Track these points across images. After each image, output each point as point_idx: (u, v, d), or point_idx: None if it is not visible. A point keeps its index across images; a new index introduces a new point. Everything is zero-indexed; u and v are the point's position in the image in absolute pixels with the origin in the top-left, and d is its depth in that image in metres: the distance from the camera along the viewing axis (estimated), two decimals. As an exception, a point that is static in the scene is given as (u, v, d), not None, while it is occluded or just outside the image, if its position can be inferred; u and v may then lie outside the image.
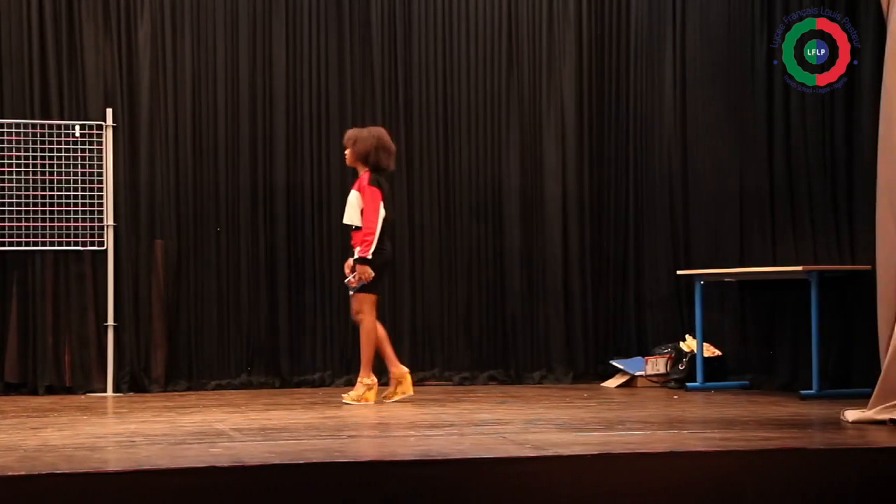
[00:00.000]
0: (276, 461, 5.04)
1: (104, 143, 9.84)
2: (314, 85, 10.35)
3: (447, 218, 10.56)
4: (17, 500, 4.51)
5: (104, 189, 9.83)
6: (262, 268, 10.14)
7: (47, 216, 9.68)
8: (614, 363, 10.33)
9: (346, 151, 8.70)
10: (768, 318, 9.45)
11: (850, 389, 8.26)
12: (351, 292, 8.59)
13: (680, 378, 9.69)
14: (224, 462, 5.03)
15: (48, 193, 9.70)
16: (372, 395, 8.48)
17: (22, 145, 9.70)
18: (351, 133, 8.73)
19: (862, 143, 8.40)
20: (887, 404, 6.40)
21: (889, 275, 6.57)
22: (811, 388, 8.47)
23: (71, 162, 9.78)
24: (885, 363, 6.48)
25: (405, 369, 8.68)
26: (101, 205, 9.83)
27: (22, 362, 9.70)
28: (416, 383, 10.16)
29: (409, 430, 6.45)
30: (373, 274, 8.39)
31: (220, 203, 10.12)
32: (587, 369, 10.62)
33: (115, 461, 5.32)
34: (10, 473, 4.66)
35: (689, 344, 9.84)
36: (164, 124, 10.04)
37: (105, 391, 9.70)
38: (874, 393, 6.53)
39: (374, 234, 8.40)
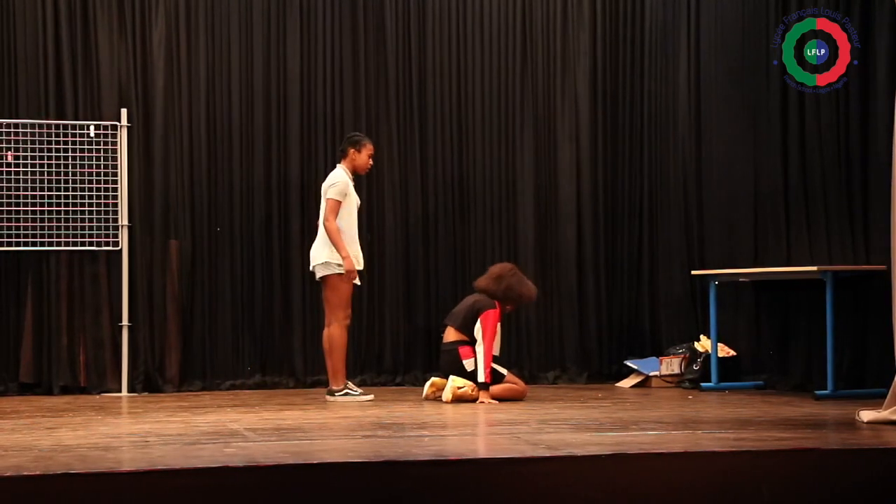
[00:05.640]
0: (291, 461, 5.04)
1: (119, 144, 9.85)
2: (328, 86, 10.35)
3: (461, 218, 10.55)
4: (31, 499, 4.52)
5: (119, 189, 9.85)
6: (277, 268, 10.15)
7: (62, 216, 9.69)
8: (629, 363, 10.32)
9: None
10: (783, 318, 9.43)
11: (865, 390, 8.25)
12: None
13: (694, 378, 9.68)
14: (238, 462, 5.03)
15: (63, 194, 9.72)
16: None
17: (37, 145, 9.72)
18: None
19: (877, 142, 8.38)
20: (903, 404, 6.40)
21: (904, 275, 6.56)
22: (826, 389, 8.45)
23: (86, 162, 9.79)
24: (900, 363, 6.48)
25: None
26: (115, 205, 9.84)
27: (37, 362, 9.72)
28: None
29: (423, 431, 6.45)
30: None
31: (235, 203, 10.13)
32: (601, 369, 10.62)
33: (129, 461, 5.33)
34: (24, 473, 4.67)
35: (704, 344, 9.83)
36: (179, 125, 10.06)
37: (119, 391, 9.72)
38: (889, 393, 6.52)
39: None
